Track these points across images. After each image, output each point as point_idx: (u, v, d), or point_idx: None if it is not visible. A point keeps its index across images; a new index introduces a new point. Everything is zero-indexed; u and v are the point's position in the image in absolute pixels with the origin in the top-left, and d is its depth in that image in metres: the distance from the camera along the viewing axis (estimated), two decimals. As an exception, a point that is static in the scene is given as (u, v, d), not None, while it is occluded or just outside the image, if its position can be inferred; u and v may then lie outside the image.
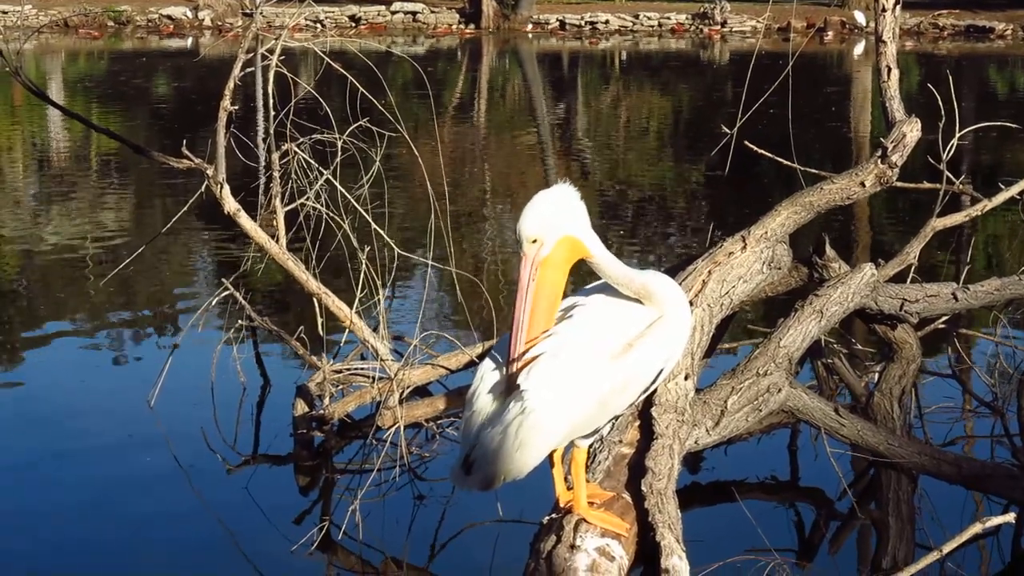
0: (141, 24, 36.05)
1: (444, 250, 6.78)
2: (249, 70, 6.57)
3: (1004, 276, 6.12)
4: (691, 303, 5.13)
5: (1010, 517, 4.18)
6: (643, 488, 4.07)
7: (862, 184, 5.81)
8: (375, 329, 6.47)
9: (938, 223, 6.15)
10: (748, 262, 5.58)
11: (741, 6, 36.17)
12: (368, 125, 6.91)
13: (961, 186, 6.64)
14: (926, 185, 6.65)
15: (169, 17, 36.13)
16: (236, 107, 6.52)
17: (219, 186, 6.18)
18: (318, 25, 33.25)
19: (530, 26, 36.07)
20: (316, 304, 6.55)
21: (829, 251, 5.76)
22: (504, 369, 3.59)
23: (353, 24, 35.27)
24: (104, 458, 6.17)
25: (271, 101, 6.83)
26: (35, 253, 10.50)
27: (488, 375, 3.64)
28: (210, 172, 6.16)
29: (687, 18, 36.19)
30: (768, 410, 5.24)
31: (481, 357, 5.04)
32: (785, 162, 6.64)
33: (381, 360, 6.25)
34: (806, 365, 6.47)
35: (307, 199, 6.83)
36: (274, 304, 8.62)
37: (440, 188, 6.79)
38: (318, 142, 6.94)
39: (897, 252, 6.07)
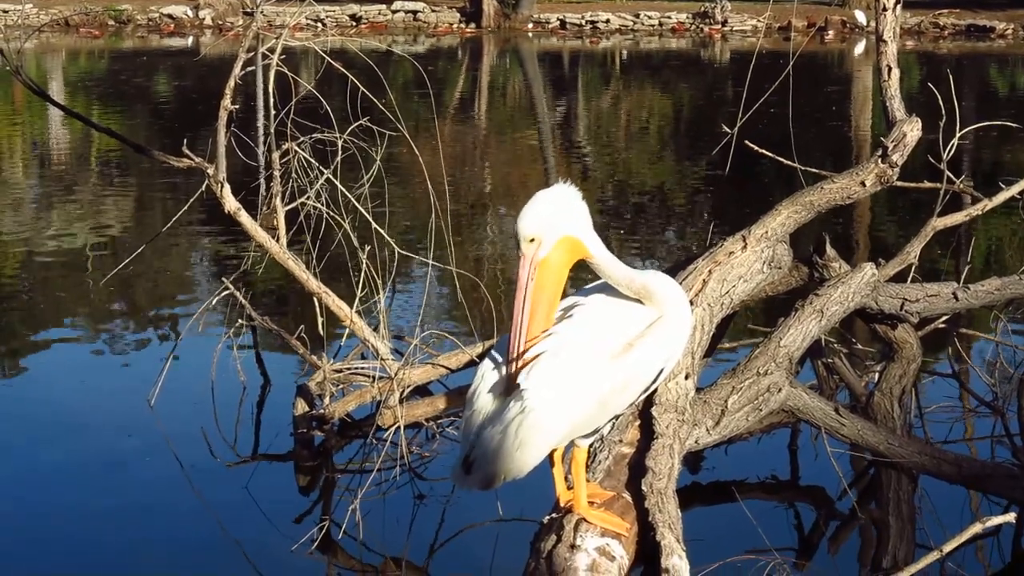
0: (142, 23, 36.05)
1: (444, 249, 6.78)
2: (250, 69, 6.57)
3: (1004, 276, 6.12)
4: (691, 302, 5.13)
5: (1010, 517, 4.18)
6: (643, 488, 4.07)
7: (863, 183, 5.81)
8: (375, 328, 6.47)
9: (938, 223, 6.14)
10: (748, 262, 5.57)
11: (742, 5, 36.17)
12: (369, 124, 6.91)
13: (962, 186, 6.63)
14: (926, 185, 6.64)
15: (170, 16, 36.13)
16: (237, 106, 6.51)
17: (219, 185, 6.18)
18: (319, 24, 33.24)
19: (531, 25, 36.07)
20: (316, 303, 6.55)
21: (829, 251, 5.76)
22: (504, 368, 3.59)
23: (354, 23, 35.27)
24: (104, 458, 6.16)
25: (272, 100, 6.83)
26: (35, 253, 10.50)
27: (488, 374, 3.64)
28: (210, 171, 6.16)
29: (688, 17, 36.18)
30: (768, 410, 5.24)
31: (481, 356, 5.04)
32: (785, 161, 6.63)
33: (381, 359, 6.25)
34: (806, 365, 6.46)
35: (307, 198, 6.83)
36: (274, 303, 8.62)
37: (440, 187, 6.79)
38: (318, 141, 6.94)
39: (897, 252, 6.07)
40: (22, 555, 5.19)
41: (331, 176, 6.82)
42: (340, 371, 6.38)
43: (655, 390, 4.43)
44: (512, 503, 5.18)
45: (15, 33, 21.79)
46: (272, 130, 6.93)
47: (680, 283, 5.05)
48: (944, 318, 6.54)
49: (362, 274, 6.49)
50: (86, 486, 5.87)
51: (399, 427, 5.71)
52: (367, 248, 6.58)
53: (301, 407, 6.21)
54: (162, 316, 8.70)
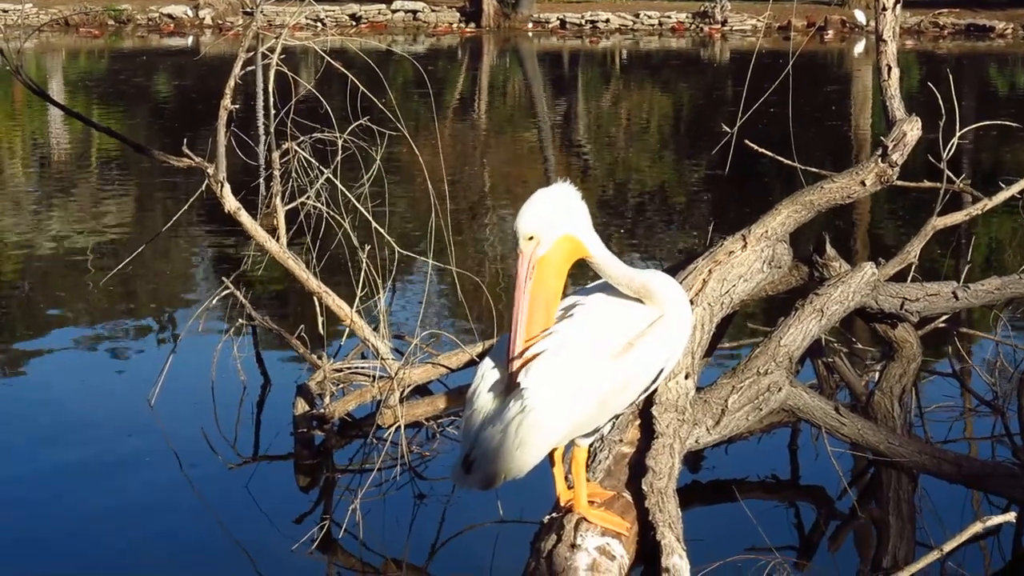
0: (142, 23, 36.05)
1: (444, 249, 6.78)
2: (249, 69, 6.57)
3: (1004, 275, 6.12)
4: (691, 302, 5.13)
5: (1011, 516, 4.18)
6: (644, 487, 4.07)
7: (863, 183, 5.81)
8: (375, 328, 6.47)
9: (938, 222, 6.14)
10: (748, 261, 5.57)
11: (741, 5, 36.17)
12: (368, 124, 6.91)
13: (961, 185, 6.63)
14: (926, 184, 6.64)
15: (170, 16, 36.13)
16: (236, 106, 6.52)
17: (219, 185, 6.18)
18: (318, 24, 33.24)
19: (530, 25, 36.07)
20: (316, 303, 6.55)
21: (829, 250, 5.76)
22: (504, 367, 3.59)
23: (353, 23, 35.27)
24: (104, 458, 6.16)
25: (271, 100, 6.83)
26: (35, 253, 10.50)
27: (489, 374, 3.64)
28: (210, 171, 6.16)
29: (687, 17, 36.18)
30: (768, 409, 5.24)
31: (482, 356, 5.04)
32: (785, 161, 6.63)
33: (381, 359, 6.25)
34: (806, 364, 6.46)
35: (307, 198, 6.83)
36: (274, 303, 8.62)
37: (440, 187, 6.79)
38: (318, 141, 6.94)
39: (897, 251, 6.07)
40: (22, 555, 5.19)
41: (331, 176, 6.82)
42: (340, 371, 6.38)
43: (655, 390, 4.43)
44: (512, 503, 5.18)
45: (15, 33, 21.79)
46: (272, 130, 6.93)
47: (680, 282, 5.04)
48: (944, 317, 6.54)
49: (362, 274, 6.49)
50: (86, 486, 5.86)
51: (399, 427, 5.71)
52: (367, 248, 6.58)
53: (301, 407, 6.21)
54: (162, 316, 8.70)
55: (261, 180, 7.56)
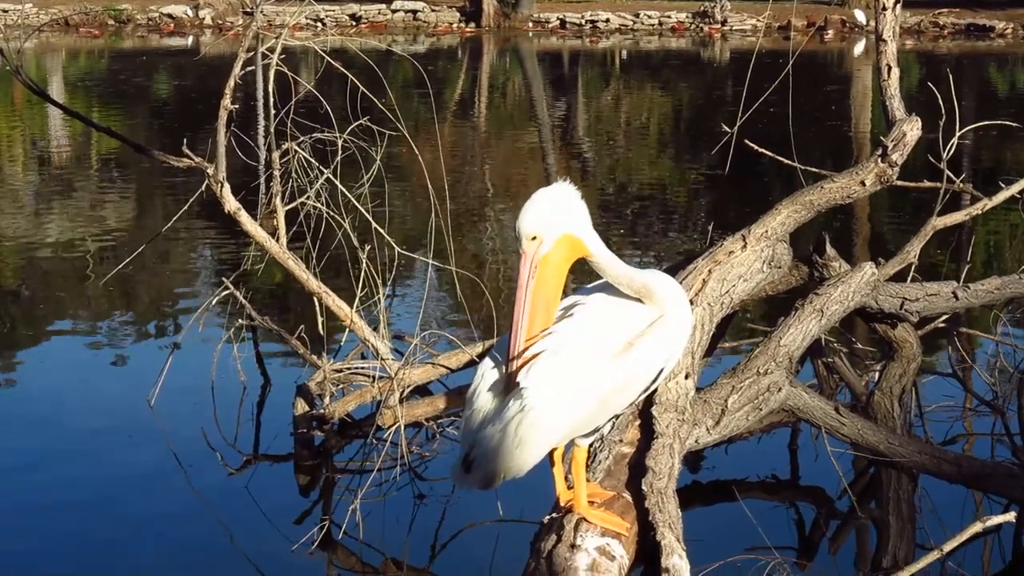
0: (142, 23, 36.05)
1: (444, 249, 6.78)
2: (249, 69, 6.56)
3: (1004, 275, 6.12)
4: (691, 302, 5.13)
5: (1010, 516, 4.18)
6: (643, 487, 4.07)
7: (862, 183, 5.81)
8: (375, 328, 6.47)
9: (938, 222, 6.14)
10: (748, 261, 5.57)
11: (741, 5, 36.17)
12: (368, 124, 6.91)
13: (961, 185, 6.63)
14: (926, 184, 6.64)
15: (170, 16, 36.13)
16: (236, 106, 6.51)
17: (219, 185, 6.18)
18: (318, 24, 33.24)
19: (530, 24, 36.07)
20: (316, 303, 6.55)
21: (829, 250, 5.76)
22: (504, 367, 3.59)
23: (354, 23, 35.27)
24: (104, 458, 6.16)
25: (271, 100, 6.83)
26: (35, 253, 10.50)
27: (488, 373, 3.64)
28: (210, 171, 6.16)
29: (687, 17, 36.18)
30: (768, 409, 5.24)
31: (481, 356, 5.04)
32: (785, 161, 6.63)
33: (381, 359, 6.25)
34: (806, 364, 6.47)
35: (307, 198, 6.83)
36: (274, 303, 8.62)
37: (440, 187, 6.79)
38: (318, 141, 6.94)
39: (897, 251, 6.07)
40: (22, 555, 5.19)
41: (331, 176, 6.82)
42: (340, 371, 6.38)
43: (655, 389, 4.43)
44: (512, 503, 5.18)
45: (15, 33, 21.79)
46: (272, 130, 6.92)
47: (680, 282, 5.04)
48: (944, 317, 6.54)
49: (362, 274, 6.50)
50: (86, 486, 5.86)
51: (399, 427, 5.71)
52: (367, 248, 6.58)
53: (301, 407, 6.21)
54: (162, 316, 8.70)
55: (261, 180, 7.56)
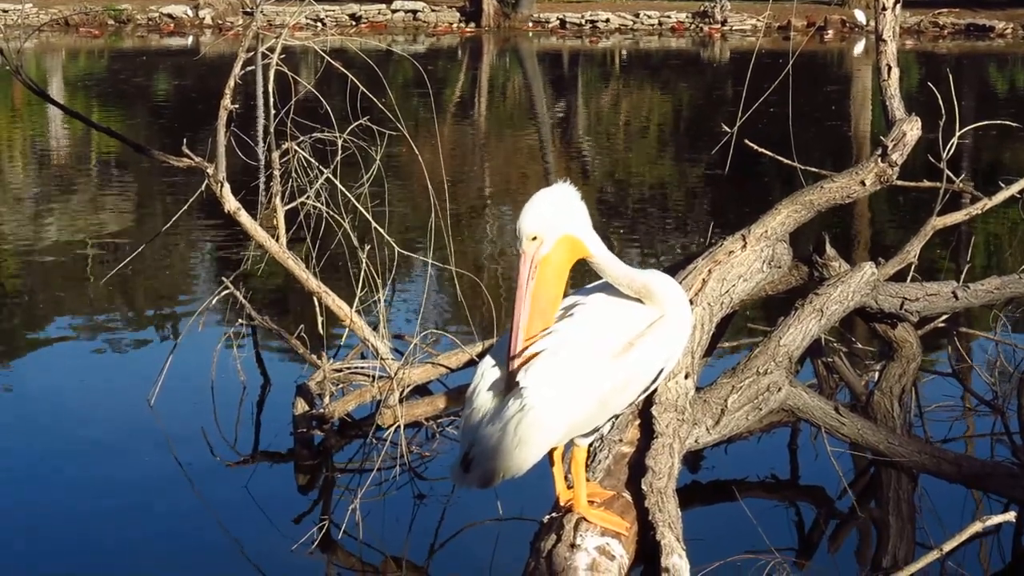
0: (142, 23, 36.04)
1: (444, 248, 6.78)
2: (249, 69, 6.57)
3: (1004, 275, 6.12)
4: (691, 302, 5.13)
5: (1010, 516, 4.18)
6: (643, 487, 4.07)
7: (862, 183, 5.81)
8: (375, 328, 6.47)
9: (938, 222, 6.14)
10: (748, 261, 5.57)
11: (741, 5, 36.16)
12: (368, 124, 6.91)
13: (961, 185, 6.63)
14: (926, 184, 6.64)
15: (170, 16, 36.13)
16: (236, 106, 6.52)
17: (219, 185, 6.18)
18: (318, 23, 33.24)
19: (530, 24, 36.06)
20: (316, 303, 6.55)
21: (829, 250, 5.76)
22: (504, 367, 3.59)
23: (353, 22, 35.27)
24: (104, 458, 6.17)
25: (271, 100, 6.83)
26: (35, 253, 10.50)
27: (488, 373, 3.64)
28: (210, 171, 6.16)
29: (687, 17, 36.17)
30: (768, 409, 5.24)
31: (481, 355, 5.05)
32: (785, 161, 6.63)
33: (381, 359, 6.25)
34: (806, 364, 6.47)
35: (307, 198, 6.83)
36: (274, 303, 8.62)
37: (440, 187, 6.79)
38: (318, 141, 6.94)
39: (897, 251, 6.07)
40: (22, 555, 5.19)
41: (331, 176, 6.82)
42: (340, 371, 6.38)
43: (655, 389, 4.43)
44: (512, 503, 5.18)
45: (15, 33, 21.79)
46: (272, 130, 6.92)
47: (680, 282, 5.05)
48: (944, 317, 6.54)
49: (362, 273, 6.50)
50: (86, 486, 5.86)
51: (399, 427, 5.71)
52: (367, 247, 6.58)
53: (301, 407, 6.21)
54: (162, 316, 8.70)
55: (261, 180, 7.56)
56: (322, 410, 6.12)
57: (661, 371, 3.69)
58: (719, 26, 35.35)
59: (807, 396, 5.41)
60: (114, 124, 16.88)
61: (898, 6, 6.17)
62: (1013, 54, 30.54)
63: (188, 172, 6.79)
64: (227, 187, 6.21)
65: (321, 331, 6.64)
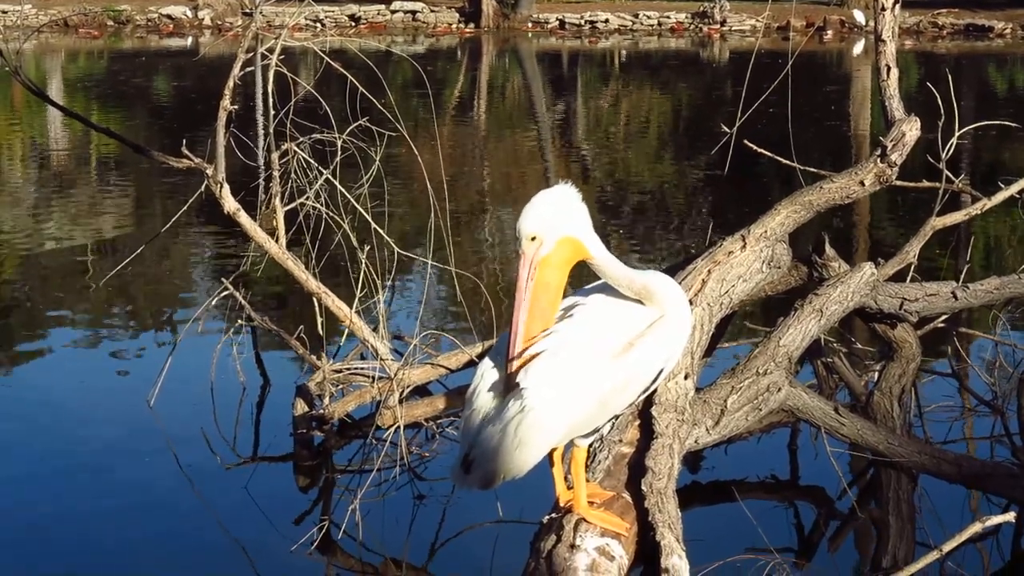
0: (141, 23, 36.05)
1: (444, 249, 6.78)
2: (249, 69, 6.56)
3: (1003, 275, 6.12)
4: (691, 302, 5.13)
5: (1010, 516, 4.18)
6: (643, 487, 4.07)
7: (861, 183, 5.81)
8: (375, 328, 6.47)
9: (937, 222, 6.14)
10: (748, 261, 5.57)
11: (740, 5, 36.18)
12: (368, 124, 6.91)
13: (960, 185, 6.63)
14: (925, 184, 6.64)
15: (169, 16, 36.13)
16: (236, 106, 6.51)
17: (219, 185, 6.18)
18: (318, 24, 33.23)
19: (530, 25, 36.07)
20: (316, 304, 6.55)
21: (829, 250, 5.76)
22: (504, 367, 3.59)
23: (353, 23, 35.28)
24: (104, 459, 6.16)
25: (271, 100, 6.83)
26: (35, 253, 10.50)
27: (488, 374, 3.64)
28: (210, 171, 6.16)
29: (686, 17, 36.20)
30: (768, 409, 5.24)
31: (481, 356, 5.04)
32: (785, 161, 6.63)
33: (381, 359, 6.25)
34: (806, 364, 6.46)
35: (307, 198, 6.83)
36: (274, 304, 8.62)
37: (440, 187, 6.79)
38: (318, 141, 6.94)
39: (896, 251, 6.07)
40: (22, 555, 5.19)
41: (330, 176, 6.82)
42: (340, 371, 6.38)
43: (655, 390, 4.43)
44: (512, 503, 5.18)
45: (14, 34, 21.80)
46: (271, 130, 6.92)
47: (679, 283, 5.05)
48: (943, 317, 6.54)
49: (361, 274, 6.50)
50: (86, 486, 5.87)
51: (399, 427, 5.71)
52: (366, 248, 6.58)
53: (301, 407, 6.21)
54: (162, 316, 8.70)
55: (260, 181, 7.56)
56: (322, 411, 6.12)
57: (661, 371, 3.69)
58: (718, 26, 35.37)
59: (807, 396, 5.41)
60: (113, 125, 16.88)
61: (897, 6, 6.17)
62: (1012, 54, 30.56)
63: (187, 173, 6.80)
64: (226, 188, 6.21)
65: (321, 332, 6.64)
